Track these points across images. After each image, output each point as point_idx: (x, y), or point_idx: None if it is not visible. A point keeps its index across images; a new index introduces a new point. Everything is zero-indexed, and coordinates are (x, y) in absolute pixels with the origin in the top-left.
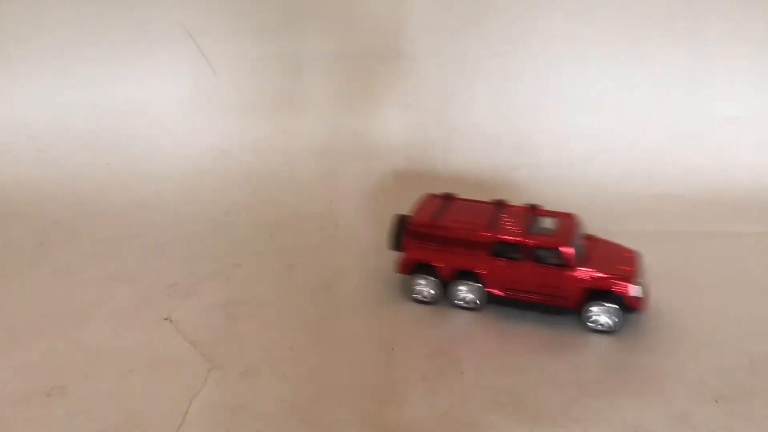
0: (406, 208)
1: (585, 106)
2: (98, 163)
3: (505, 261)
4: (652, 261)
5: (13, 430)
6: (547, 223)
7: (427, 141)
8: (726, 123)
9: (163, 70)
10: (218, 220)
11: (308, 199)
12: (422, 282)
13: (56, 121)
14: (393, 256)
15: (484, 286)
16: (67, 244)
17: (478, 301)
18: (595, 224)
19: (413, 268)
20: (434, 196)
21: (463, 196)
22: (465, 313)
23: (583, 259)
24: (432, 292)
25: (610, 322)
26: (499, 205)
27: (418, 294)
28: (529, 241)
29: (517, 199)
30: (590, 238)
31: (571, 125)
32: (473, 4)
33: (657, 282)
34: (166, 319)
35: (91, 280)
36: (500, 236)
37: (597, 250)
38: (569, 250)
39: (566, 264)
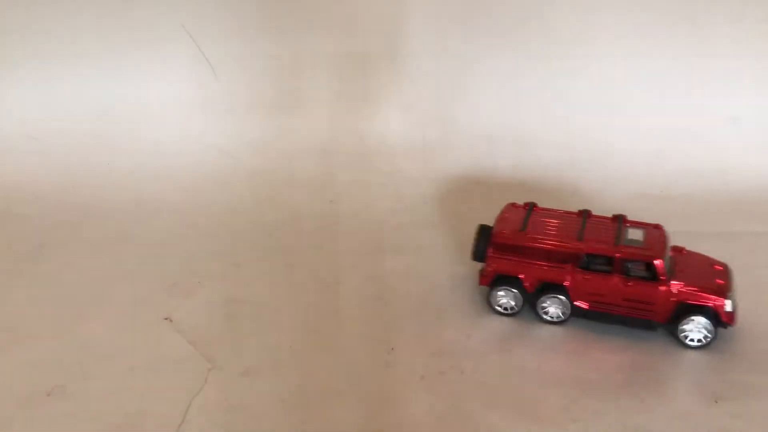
0: (406, 207)
1: (585, 106)
2: (98, 163)
3: (593, 274)
4: None
5: (13, 430)
6: (636, 234)
7: (427, 141)
8: (726, 123)
9: (163, 70)
10: (218, 220)
11: (308, 199)
12: (503, 294)
13: (56, 121)
14: (389, 254)
15: (570, 299)
16: (67, 244)
17: (562, 315)
18: None
19: (495, 279)
20: (514, 205)
21: (544, 205)
22: (548, 327)
23: (675, 273)
24: (513, 303)
25: (702, 337)
26: (585, 215)
27: (499, 306)
28: (620, 254)
29: (518, 198)
30: (678, 250)
31: (571, 125)
32: (473, 4)
33: None
34: (166, 318)
35: (91, 280)
36: (590, 249)
37: (688, 263)
38: (660, 263)
39: (658, 277)
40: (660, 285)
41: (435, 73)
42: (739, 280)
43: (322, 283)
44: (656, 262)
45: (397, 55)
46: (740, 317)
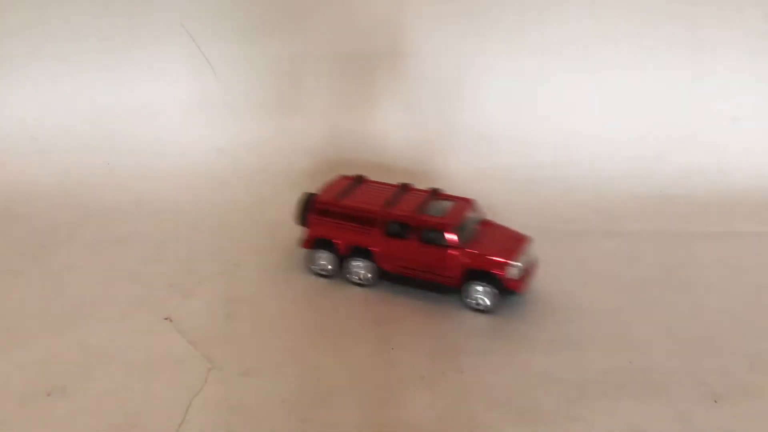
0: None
1: (585, 106)
2: (98, 163)
3: (396, 240)
4: (652, 261)
5: (13, 430)
6: (441, 206)
7: (427, 141)
8: (726, 123)
9: (164, 71)
10: (218, 220)
11: None
12: (322, 257)
13: (56, 121)
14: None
15: (377, 263)
16: (67, 244)
17: (369, 277)
18: (594, 224)
19: (315, 243)
20: (345, 178)
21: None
22: (357, 288)
23: (470, 242)
24: (330, 267)
25: (487, 302)
26: (404, 188)
27: (317, 268)
28: (416, 221)
29: (518, 195)
30: (486, 223)
31: (571, 125)
32: (473, 4)
33: (657, 282)
34: (166, 319)
35: (91, 280)
36: (391, 215)
37: (488, 234)
38: (450, 231)
39: (448, 244)
40: (450, 251)
41: (435, 72)
42: (738, 280)
43: (321, 283)
44: (445, 229)
45: (397, 55)
46: (736, 320)
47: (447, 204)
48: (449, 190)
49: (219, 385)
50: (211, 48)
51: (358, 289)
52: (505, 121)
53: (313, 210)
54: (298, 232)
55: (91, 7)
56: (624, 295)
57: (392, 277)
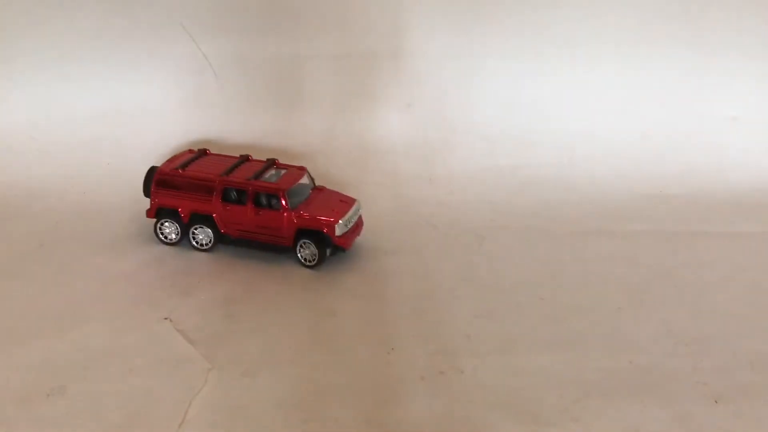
0: (405, 207)
1: (585, 106)
2: (98, 163)
3: (234, 205)
4: (652, 261)
5: (13, 430)
6: (275, 173)
7: (427, 141)
8: (726, 123)
9: (164, 70)
10: None
11: None
12: (166, 225)
13: (57, 121)
14: (387, 256)
15: (218, 228)
16: (67, 244)
17: (210, 242)
18: (594, 224)
19: (159, 212)
20: (190, 151)
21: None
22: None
23: (301, 205)
24: (172, 236)
25: (310, 256)
26: (243, 159)
27: (162, 236)
28: (249, 187)
29: (520, 193)
30: (319, 189)
31: (571, 125)
32: (473, 5)
33: (657, 282)
34: (166, 318)
35: (91, 280)
36: (228, 182)
37: (319, 198)
38: (280, 194)
39: (280, 207)
40: (282, 213)
41: (435, 72)
42: (738, 280)
43: (321, 283)
44: (277, 193)
45: (397, 55)
46: (736, 320)
47: (281, 172)
48: (448, 190)
49: (219, 385)
50: (211, 48)
51: (202, 254)
52: (505, 121)
53: (156, 181)
54: None
55: (91, 7)
56: (624, 295)
57: (233, 241)
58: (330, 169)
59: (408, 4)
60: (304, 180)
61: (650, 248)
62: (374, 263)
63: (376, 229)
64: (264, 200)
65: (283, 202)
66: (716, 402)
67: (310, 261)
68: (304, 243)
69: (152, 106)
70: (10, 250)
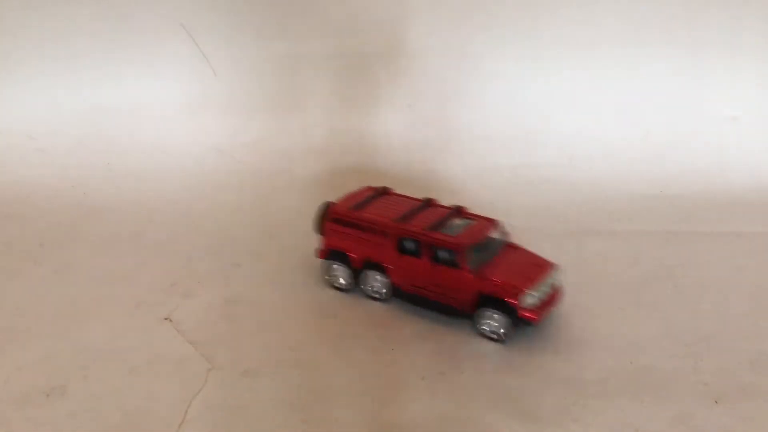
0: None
1: (585, 106)
2: (98, 163)
3: (409, 257)
4: (652, 261)
5: (13, 430)
6: (460, 224)
7: (427, 141)
8: (726, 123)
9: (163, 70)
10: (218, 220)
11: (308, 199)
12: (337, 268)
13: (56, 121)
14: None
15: (390, 278)
16: (67, 244)
17: (384, 292)
18: (594, 224)
19: (330, 254)
20: (369, 189)
21: (399, 191)
22: (375, 303)
23: (486, 265)
24: (343, 280)
25: (497, 330)
26: (426, 203)
27: (332, 280)
28: (427, 239)
29: (520, 194)
30: (511, 247)
31: (571, 125)
32: (473, 4)
33: (657, 282)
34: (166, 319)
35: (91, 280)
36: (402, 231)
37: (509, 258)
38: (461, 251)
39: (459, 266)
40: (462, 273)
41: (435, 72)
42: (739, 280)
43: (321, 283)
44: (457, 249)
45: (397, 54)
46: (736, 320)
47: (467, 223)
48: (448, 191)
49: (219, 385)
50: (211, 48)
51: (369, 302)
52: (505, 121)
53: (329, 220)
54: (297, 231)
55: (91, 7)
56: (624, 295)
57: (405, 295)
58: (330, 169)
59: (408, 4)
60: (493, 234)
61: (650, 248)
62: None
63: None
64: (442, 255)
65: (463, 261)
66: (716, 402)
67: (494, 335)
68: (488, 312)
69: (152, 106)
70: (10, 250)
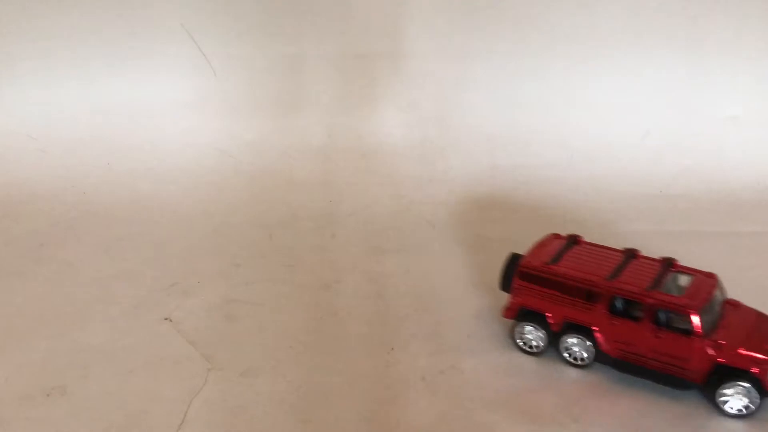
0: (405, 207)
1: (585, 106)
2: (98, 163)
3: (623, 319)
4: None
5: (13, 430)
6: (680, 281)
7: (427, 141)
8: (726, 122)
9: (163, 70)
10: (218, 220)
11: (308, 199)
12: (530, 330)
13: (56, 121)
14: (389, 254)
15: (596, 343)
16: (67, 244)
17: (585, 359)
18: (594, 224)
19: (521, 314)
20: (556, 236)
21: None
22: (573, 370)
23: (717, 330)
24: (536, 343)
25: (742, 405)
26: (629, 254)
27: (523, 342)
28: (648, 299)
29: (517, 198)
30: (732, 305)
31: (571, 125)
32: (473, 4)
33: None
34: (166, 319)
35: (91, 280)
36: (618, 289)
37: (736, 318)
38: (696, 315)
39: (692, 332)
40: (695, 340)
41: (435, 72)
42: (739, 280)
43: (321, 283)
44: (689, 312)
45: (397, 55)
46: None
47: (685, 279)
48: (450, 190)
49: (219, 385)
50: (211, 48)
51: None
52: (505, 121)
53: (520, 275)
54: (297, 231)
55: (90, 6)
56: None
57: (612, 361)
58: (330, 169)
59: (408, 5)
60: (717, 292)
61: (650, 248)
62: (375, 263)
63: (376, 229)
64: (665, 318)
65: (695, 326)
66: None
67: (738, 410)
68: (731, 385)
69: (152, 106)
70: (10, 250)
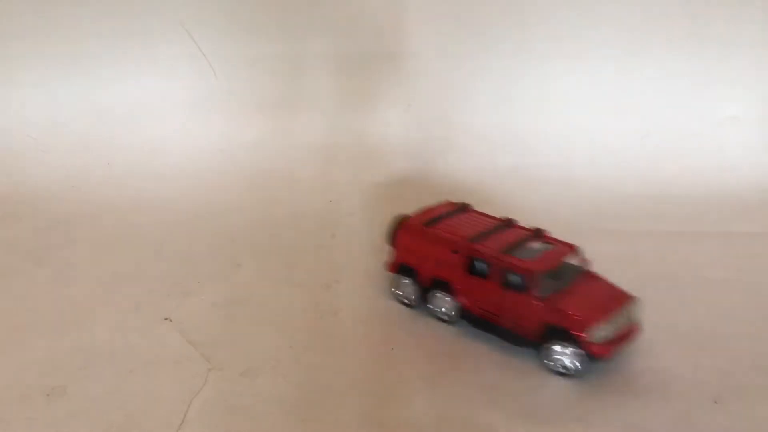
0: (404, 207)
1: (585, 106)
2: (98, 163)
3: (477, 278)
4: (652, 261)
5: (13, 430)
6: (536, 248)
7: (427, 141)
8: (725, 123)
9: (163, 71)
10: (218, 220)
11: (308, 199)
12: (405, 283)
13: (56, 121)
14: (389, 254)
15: (457, 300)
16: (67, 244)
17: (452, 314)
18: (594, 224)
19: (399, 268)
20: (449, 204)
21: (478, 208)
22: (440, 324)
23: (559, 294)
24: (412, 296)
25: (570, 365)
26: (506, 223)
27: (400, 294)
28: (497, 261)
29: (518, 197)
30: (590, 276)
31: (571, 126)
32: (472, 5)
33: (657, 282)
34: (166, 319)
35: (92, 280)
36: (473, 250)
37: (585, 287)
38: (531, 277)
39: (529, 292)
40: (532, 300)
41: (435, 73)
42: (738, 280)
43: (321, 283)
44: (528, 275)
45: (397, 55)
46: (736, 320)
47: (544, 247)
48: (450, 191)
49: (219, 385)
50: (212, 48)
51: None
52: (505, 122)
53: (401, 233)
54: (297, 230)
55: (91, 7)
56: None
57: (474, 319)
58: (330, 169)
59: (408, 5)
60: (572, 261)
61: (650, 248)
62: (375, 262)
63: (376, 229)
64: (510, 279)
65: (530, 286)
66: (715, 402)
67: (562, 369)
68: (555, 345)
69: (152, 107)
70: (10, 250)
